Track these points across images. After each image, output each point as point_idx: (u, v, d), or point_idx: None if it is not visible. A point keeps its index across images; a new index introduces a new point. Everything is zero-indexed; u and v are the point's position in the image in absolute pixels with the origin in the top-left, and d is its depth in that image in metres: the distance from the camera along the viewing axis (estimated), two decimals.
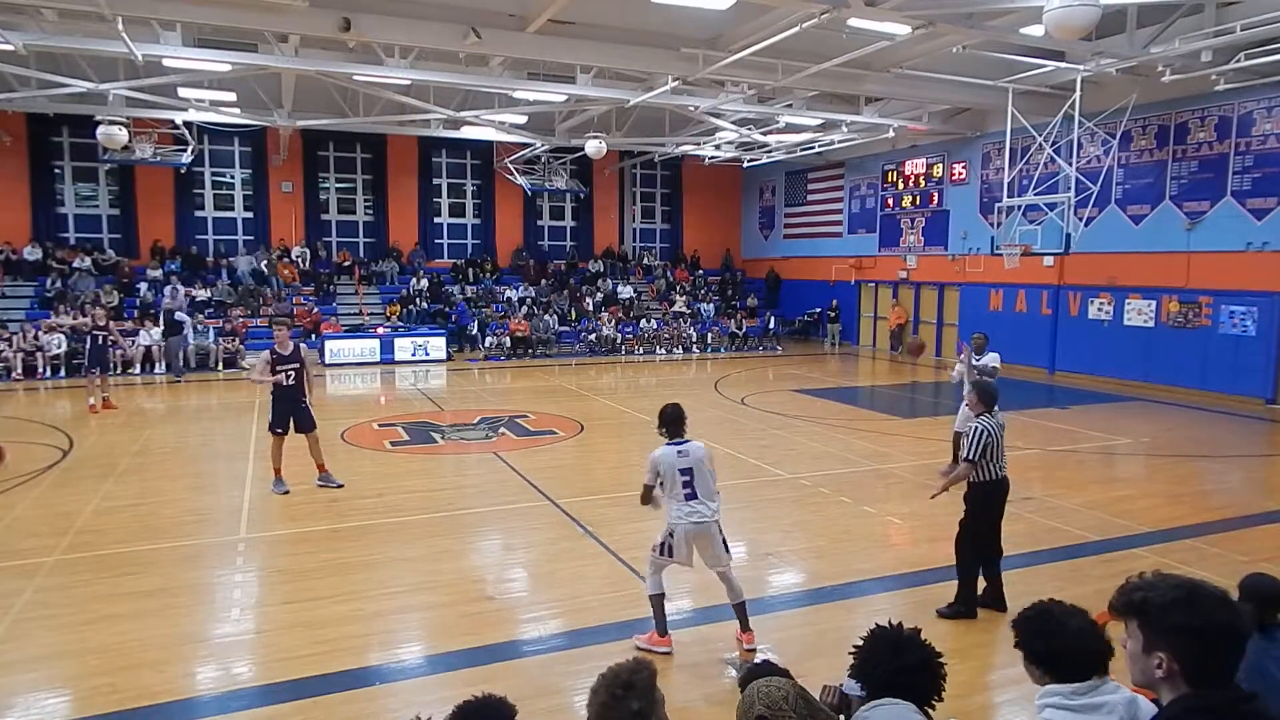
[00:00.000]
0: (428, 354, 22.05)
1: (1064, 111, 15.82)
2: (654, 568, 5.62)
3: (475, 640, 5.67)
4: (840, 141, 22.32)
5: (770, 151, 24.63)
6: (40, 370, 18.55)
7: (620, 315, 25.54)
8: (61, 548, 7.42)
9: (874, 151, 24.09)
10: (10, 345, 18.54)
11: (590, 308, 25.96)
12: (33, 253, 22.57)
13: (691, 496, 5.51)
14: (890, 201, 24.44)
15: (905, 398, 17.70)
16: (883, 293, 25.39)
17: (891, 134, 21.01)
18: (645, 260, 30.20)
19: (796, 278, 28.70)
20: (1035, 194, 16.83)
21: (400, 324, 23.31)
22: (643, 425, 13.64)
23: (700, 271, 29.95)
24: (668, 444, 5.63)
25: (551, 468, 10.68)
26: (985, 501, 6.12)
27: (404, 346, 21.89)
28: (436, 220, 27.91)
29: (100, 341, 14.62)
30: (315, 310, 23.36)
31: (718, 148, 24.46)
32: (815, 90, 17.69)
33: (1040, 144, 16.54)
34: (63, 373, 18.64)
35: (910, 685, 2.52)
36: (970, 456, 5.98)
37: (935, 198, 22.79)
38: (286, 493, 9.21)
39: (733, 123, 20.65)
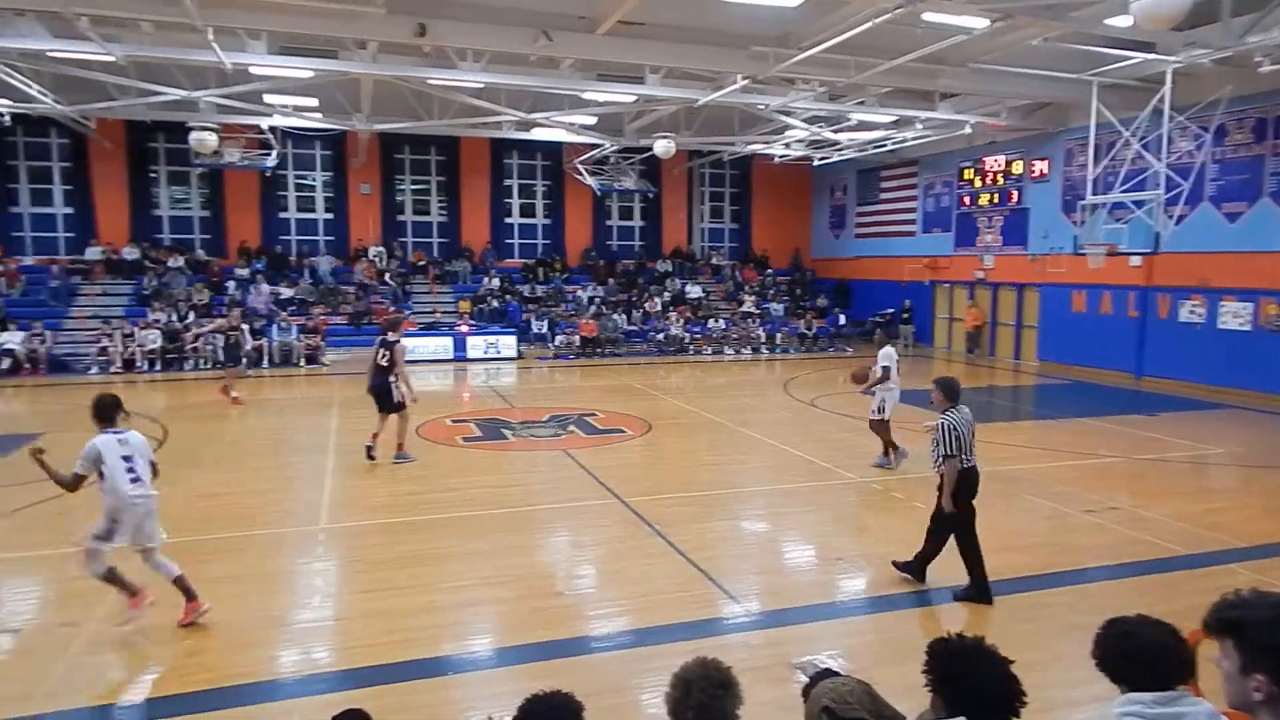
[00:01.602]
0: (499, 352, 22.46)
1: (1153, 105, 15.14)
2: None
3: (544, 635, 5.76)
4: (914, 138, 21.84)
5: (841, 149, 24.26)
6: (138, 364, 19.55)
7: (688, 315, 25.53)
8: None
9: (949, 148, 23.48)
10: (112, 340, 19.58)
11: (658, 307, 26.02)
12: (131, 253, 23.84)
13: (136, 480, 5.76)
14: (966, 200, 23.80)
15: (982, 401, 17.21)
16: (958, 294, 24.75)
17: (968, 130, 20.46)
18: (714, 260, 30.11)
19: (868, 278, 28.20)
20: (1122, 191, 16.15)
21: (474, 322, 23.82)
22: (712, 425, 13.62)
23: (769, 271, 29.71)
24: (107, 433, 5.86)
25: (620, 466, 10.76)
26: (957, 491, 6.28)
27: (476, 344, 22.35)
28: (507, 220, 28.38)
29: (233, 340, 15.53)
30: (393, 309, 24.00)
31: (788, 146, 24.22)
32: (888, 86, 17.35)
33: (1127, 139, 15.87)
34: (158, 366, 19.61)
35: (991, 701, 2.44)
36: (950, 452, 6.20)
37: (1014, 195, 22.10)
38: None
39: (803, 121, 20.42)
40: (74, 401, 15.40)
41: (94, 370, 19.17)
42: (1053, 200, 20.88)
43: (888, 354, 10.50)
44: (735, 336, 24.72)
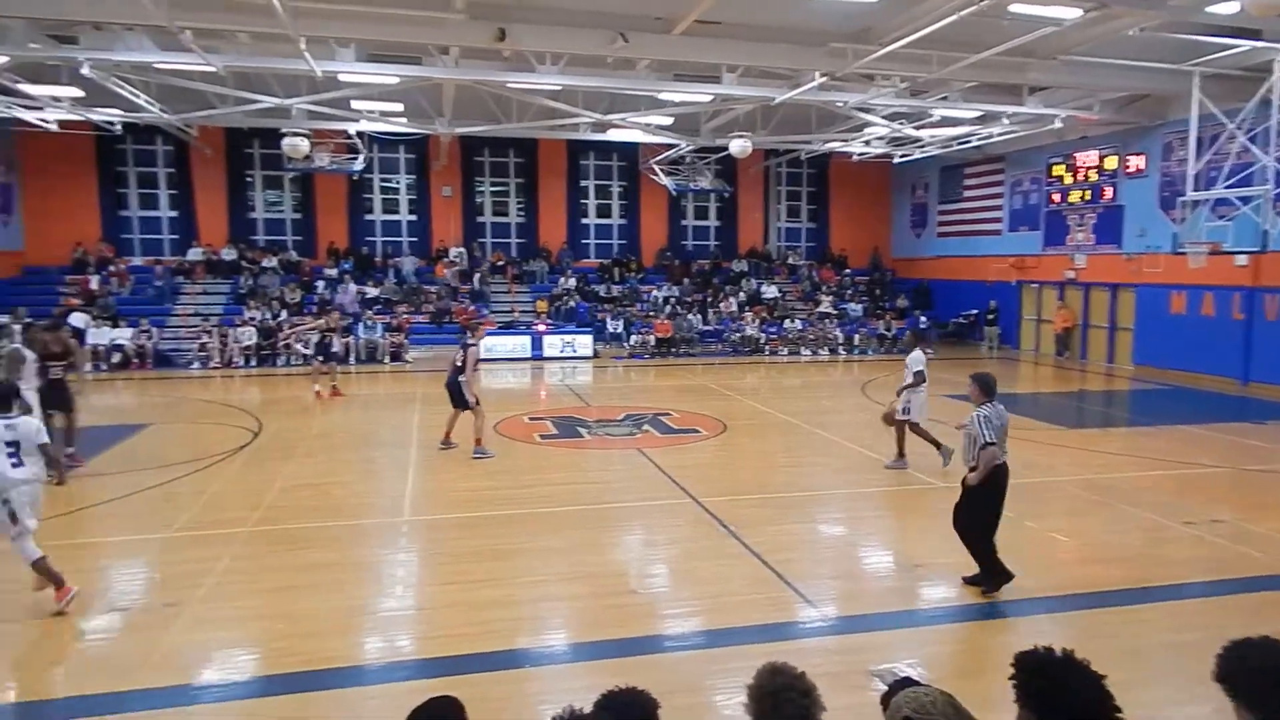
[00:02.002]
0: (575, 351, 22.72)
1: (1260, 95, 14.30)
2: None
3: (618, 632, 5.81)
4: (1001, 134, 21.12)
5: (923, 146, 23.63)
6: (234, 359, 20.50)
7: (764, 315, 25.33)
8: (252, 521, 8.20)
9: (1038, 144, 22.64)
10: (211, 337, 20.60)
11: (733, 308, 25.89)
12: (229, 254, 25.06)
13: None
14: (1056, 197, 22.91)
15: (1071, 406, 16.58)
16: (1047, 294, 23.85)
17: (1058, 125, 19.65)
18: (790, 260, 29.79)
19: (951, 278, 27.43)
20: (1226, 187, 15.30)
21: (551, 321, 24.18)
22: (787, 426, 13.49)
23: (847, 271, 29.21)
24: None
25: (694, 466, 10.75)
26: (994, 483, 6.25)
27: (553, 343, 22.67)
28: (584, 221, 28.68)
29: (327, 339, 16.29)
30: (473, 308, 24.57)
31: (867, 144, 23.74)
32: (973, 81, 16.84)
33: (1232, 132, 15.03)
34: (253, 362, 20.54)
35: (1084, 718, 2.35)
36: (991, 439, 6.15)
37: (1108, 192, 21.15)
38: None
39: (883, 118, 19.99)
40: (176, 395, 16.28)
41: (194, 365, 20.20)
42: (1149, 197, 19.91)
43: (917, 358, 10.41)
44: (812, 337, 24.40)
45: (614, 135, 22.46)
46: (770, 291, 27.26)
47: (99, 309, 21.29)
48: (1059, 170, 22.63)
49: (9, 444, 5.95)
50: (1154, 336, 19.91)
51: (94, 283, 22.85)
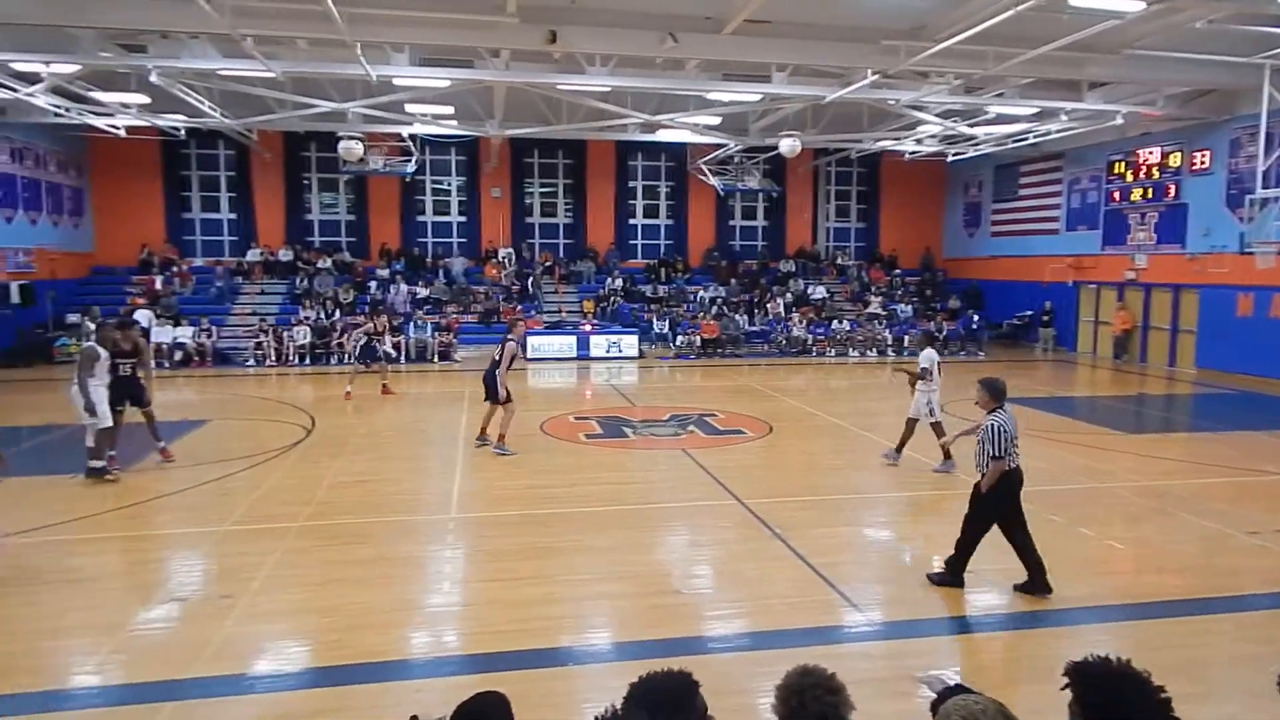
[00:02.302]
0: (621, 351, 22.78)
1: None
2: None
3: (661, 632, 5.81)
4: (1059, 131, 20.62)
5: (978, 144, 23.18)
6: (289, 358, 21.03)
7: (811, 316, 25.09)
8: (304, 515, 8.40)
9: (1098, 141, 22.01)
10: (268, 336, 21.14)
11: (781, 308, 25.69)
12: (286, 255, 25.71)
13: None
14: (1117, 195, 22.25)
15: (1129, 410, 16.08)
16: (1106, 295, 23.17)
17: (1120, 121, 19.10)
18: (839, 260, 29.46)
19: (1005, 278, 26.82)
20: None
21: (597, 321, 24.30)
22: (834, 429, 13.34)
23: (897, 272, 28.77)
24: None
25: (740, 467, 10.70)
26: (1005, 488, 6.27)
27: (599, 343, 22.77)
28: (631, 221, 28.75)
29: (375, 341, 16.67)
30: (518, 308, 24.81)
31: (919, 142, 23.38)
32: (1030, 77, 16.45)
33: None
34: (307, 360, 21.02)
35: None
36: (997, 454, 6.17)
37: (1171, 190, 20.47)
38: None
39: (937, 115, 19.67)
40: (233, 392, 16.73)
41: (250, 363, 20.76)
42: (1215, 195, 19.22)
43: (928, 355, 10.62)
44: (860, 338, 24.09)
45: (662, 136, 22.48)
46: (818, 292, 26.99)
47: (162, 308, 22.02)
48: (1120, 168, 21.99)
49: None
50: (1218, 339, 19.20)
51: (158, 283, 23.65)
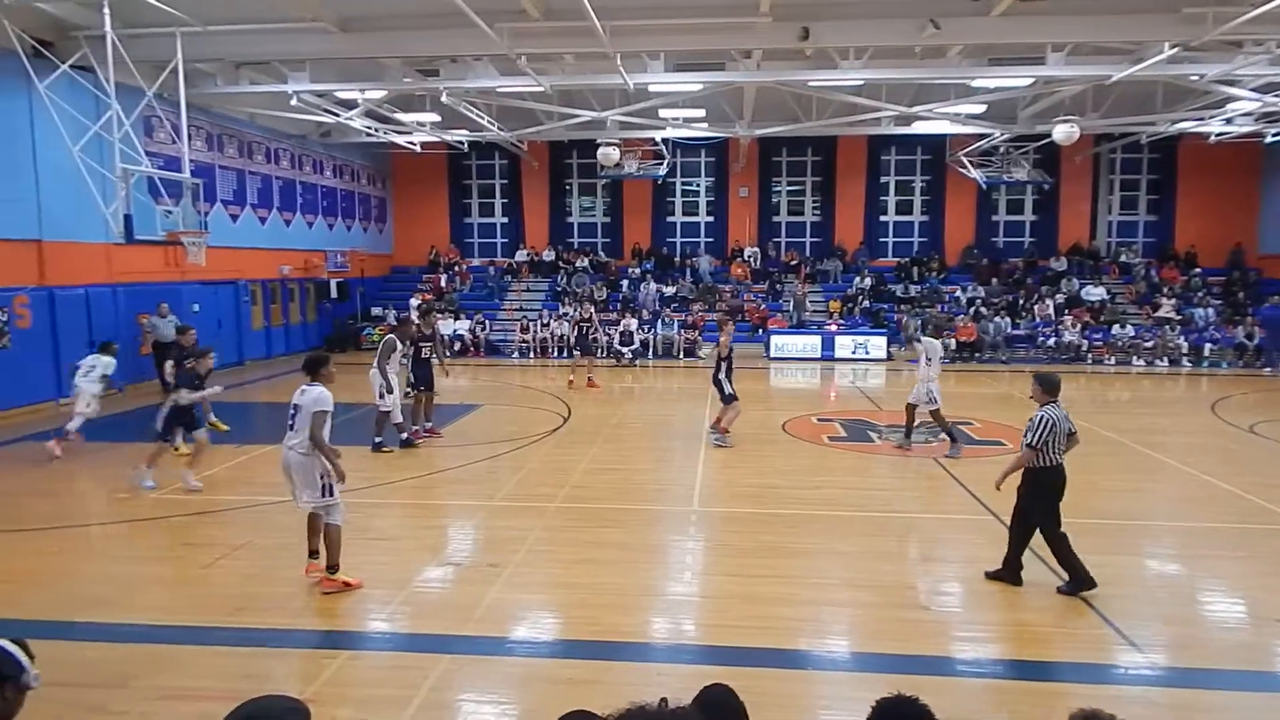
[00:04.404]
0: (867, 352, 22.05)
1: None
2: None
3: (903, 647, 5.58)
4: None
5: None
6: (550, 351, 22.70)
7: (1087, 319, 22.66)
8: (560, 497, 9.05)
9: None
10: (533, 329, 22.99)
11: (1050, 310, 23.48)
12: (549, 255, 27.80)
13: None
14: None
15: None
16: None
17: None
18: (1123, 257, 26.33)
19: None
20: None
21: (843, 321, 23.72)
22: (1112, 444, 11.99)
23: (1196, 271, 25.12)
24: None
25: None
26: (1041, 486, 6.37)
27: (844, 344, 22.20)
28: (882, 219, 27.70)
29: (584, 331, 17.55)
30: (763, 307, 24.86)
31: (1229, 121, 20.24)
32: None
33: None
34: (567, 354, 22.56)
35: None
36: (1032, 442, 6.29)
37: None
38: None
39: (1252, 90, 16.91)
40: (502, 380, 18.33)
41: (515, 355, 22.68)
42: None
43: (934, 346, 11.17)
44: (1148, 345, 21.38)
45: (919, 128, 21.43)
46: (1096, 293, 24.31)
47: (445, 303, 24.70)
48: None
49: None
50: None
51: (443, 281, 26.58)
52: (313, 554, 6.63)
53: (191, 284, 17.72)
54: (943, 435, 11.23)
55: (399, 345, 11.37)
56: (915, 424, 11.46)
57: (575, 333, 17.67)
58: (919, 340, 11.69)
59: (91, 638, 5.64)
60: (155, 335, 15.81)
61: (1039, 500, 6.41)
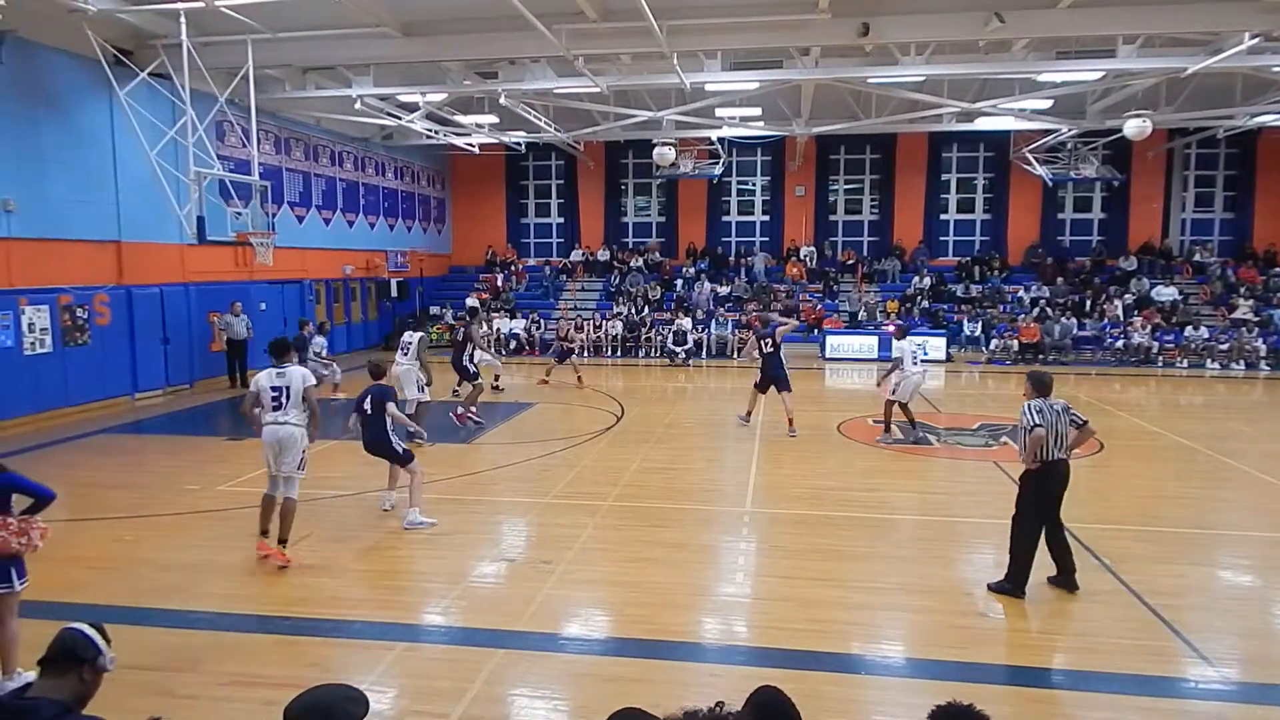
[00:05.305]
0: (926, 354, 21.54)
1: None
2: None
3: (961, 654, 5.47)
4: None
5: None
6: (604, 349, 22.80)
7: (1158, 321, 21.86)
8: (613, 496, 9.10)
9: None
10: (589, 326, 23.10)
11: (1119, 311, 22.70)
12: (604, 254, 27.92)
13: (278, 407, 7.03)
14: None
15: None
16: None
17: None
18: (1197, 256, 25.32)
19: None
20: None
21: (900, 321, 23.28)
22: (1184, 451, 11.57)
23: (1276, 270, 24.01)
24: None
25: None
26: (1042, 482, 6.30)
27: (901, 345, 21.73)
28: (942, 217, 27.14)
29: (565, 333, 17.91)
30: (819, 307, 24.57)
31: None
32: None
33: None
34: (618, 353, 22.66)
35: None
36: (1037, 422, 6.19)
37: None
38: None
39: None
40: (556, 379, 18.45)
41: (552, 355, 22.81)
42: None
43: (901, 346, 12.53)
44: (1223, 348, 20.52)
45: (982, 124, 20.94)
46: (1167, 293, 23.43)
47: (501, 302, 25.00)
48: None
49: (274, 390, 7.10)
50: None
51: (499, 280, 26.90)
52: (264, 533, 7.18)
53: (259, 283, 18.28)
54: (904, 424, 12.24)
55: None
56: (909, 419, 12.36)
57: (557, 334, 18.44)
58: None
59: (163, 624, 5.88)
60: (229, 333, 16.40)
61: (1040, 493, 6.33)
